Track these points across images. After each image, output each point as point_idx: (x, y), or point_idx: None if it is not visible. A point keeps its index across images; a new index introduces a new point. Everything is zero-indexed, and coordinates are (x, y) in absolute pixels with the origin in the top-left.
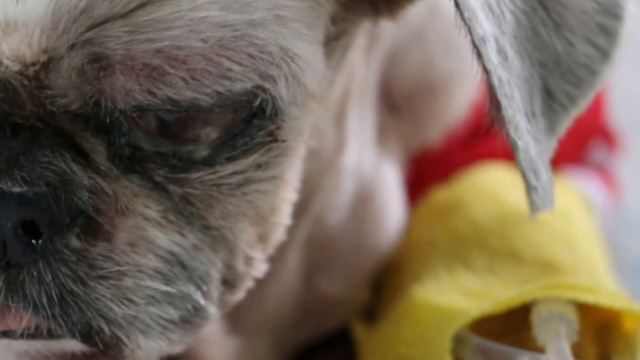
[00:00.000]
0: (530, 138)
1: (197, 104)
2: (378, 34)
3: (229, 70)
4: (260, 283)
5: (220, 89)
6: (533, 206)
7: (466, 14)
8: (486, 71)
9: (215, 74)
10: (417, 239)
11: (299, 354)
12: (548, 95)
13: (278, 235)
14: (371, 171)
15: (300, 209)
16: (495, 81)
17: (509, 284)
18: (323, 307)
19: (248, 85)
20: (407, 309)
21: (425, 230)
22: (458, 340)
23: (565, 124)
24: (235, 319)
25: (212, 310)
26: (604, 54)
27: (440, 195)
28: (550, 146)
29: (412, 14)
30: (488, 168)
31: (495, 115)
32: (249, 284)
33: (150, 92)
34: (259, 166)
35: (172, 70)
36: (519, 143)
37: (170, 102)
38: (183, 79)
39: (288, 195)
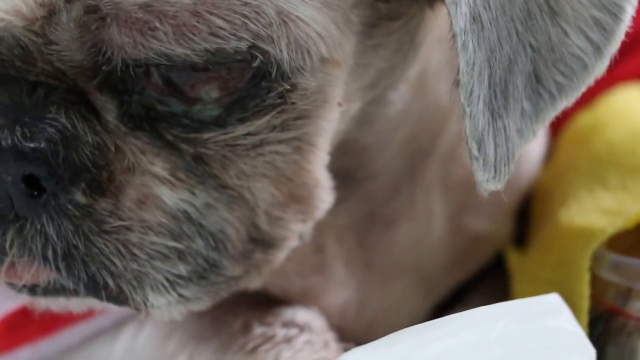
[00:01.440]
0: (486, 110)
1: (190, 60)
2: None
3: (220, 28)
4: (388, 226)
5: (210, 46)
6: (475, 176)
7: None
8: (454, 34)
9: (205, 31)
10: (562, 164)
11: (451, 293)
12: (537, 80)
13: (316, 196)
14: None
15: (420, 154)
16: (458, 45)
17: (638, 199)
18: (472, 244)
19: (242, 45)
20: (554, 233)
21: (569, 155)
22: (595, 258)
23: (552, 113)
24: (367, 261)
25: (233, 266)
26: (597, 49)
27: (583, 119)
28: (528, 130)
29: None
30: (629, 90)
31: (455, 77)
32: (287, 243)
33: (142, 46)
34: (274, 128)
35: (160, 25)
36: (467, 109)
37: (164, 57)
38: (173, 34)
39: (315, 157)
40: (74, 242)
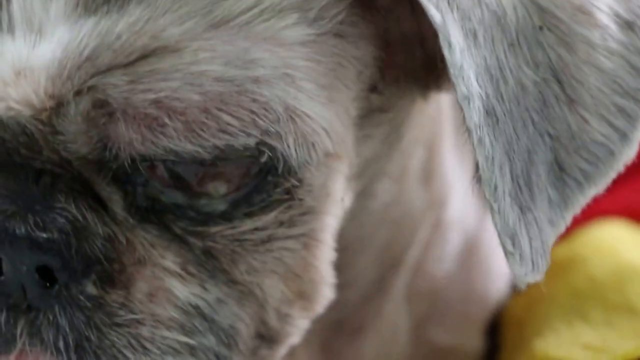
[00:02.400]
0: (514, 204)
1: (198, 156)
2: None
3: (228, 124)
4: (355, 335)
5: (219, 143)
6: (512, 271)
7: (452, 71)
8: (468, 130)
9: (214, 128)
10: (537, 294)
11: None
12: (560, 168)
13: (320, 292)
14: (475, 222)
15: (392, 264)
16: (475, 140)
17: (626, 337)
18: (436, 357)
19: (250, 141)
20: None
21: (545, 285)
22: None
23: (582, 201)
24: None
25: None
26: (623, 136)
27: (560, 251)
28: (559, 219)
29: None
30: (606, 225)
31: (476, 174)
32: (290, 339)
33: (151, 142)
34: (281, 223)
35: (169, 122)
36: (494, 205)
37: (171, 153)
38: (181, 131)
39: (323, 253)
40: (86, 333)
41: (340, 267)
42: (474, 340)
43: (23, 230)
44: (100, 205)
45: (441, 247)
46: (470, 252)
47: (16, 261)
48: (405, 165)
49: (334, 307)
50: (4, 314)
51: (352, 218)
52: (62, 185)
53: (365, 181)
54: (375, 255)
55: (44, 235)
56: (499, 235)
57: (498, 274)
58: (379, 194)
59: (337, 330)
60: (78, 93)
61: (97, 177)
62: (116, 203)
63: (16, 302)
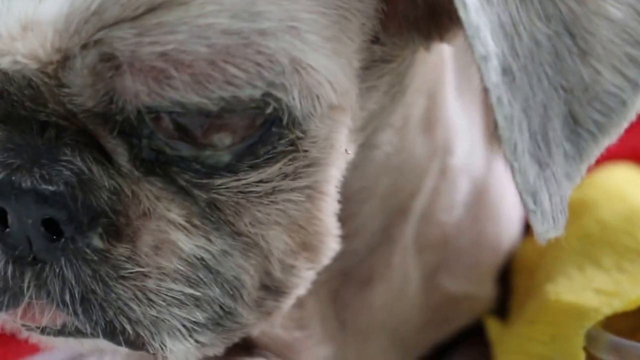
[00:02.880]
0: (533, 161)
1: (204, 108)
2: None
3: (234, 76)
4: (364, 285)
5: (225, 94)
6: (534, 229)
7: (469, 32)
8: (486, 89)
9: (220, 80)
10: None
11: (431, 354)
12: (574, 121)
13: (325, 244)
14: (483, 168)
15: (397, 213)
16: (493, 100)
17: (638, 282)
18: (448, 305)
19: (256, 92)
20: (541, 307)
21: None
22: (590, 338)
23: (596, 152)
24: (342, 319)
25: (247, 314)
26: (635, 85)
27: (570, 195)
28: (575, 172)
29: None
30: (616, 168)
31: (495, 133)
32: (296, 291)
33: (157, 94)
34: (285, 175)
35: (176, 74)
36: (515, 164)
37: (178, 105)
38: (188, 83)
39: (327, 205)
40: (92, 286)
41: (345, 217)
42: (485, 287)
43: (29, 183)
44: (105, 158)
45: (449, 195)
46: (479, 198)
47: (22, 214)
48: (408, 114)
49: (341, 257)
50: (10, 267)
51: (355, 169)
52: (67, 138)
53: (368, 133)
54: (380, 203)
55: (50, 188)
56: (521, 194)
57: (508, 219)
58: (381, 144)
59: (346, 280)
60: (85, 47)
61: (102, 130)
62: (121, 156)
63: (22, 254)
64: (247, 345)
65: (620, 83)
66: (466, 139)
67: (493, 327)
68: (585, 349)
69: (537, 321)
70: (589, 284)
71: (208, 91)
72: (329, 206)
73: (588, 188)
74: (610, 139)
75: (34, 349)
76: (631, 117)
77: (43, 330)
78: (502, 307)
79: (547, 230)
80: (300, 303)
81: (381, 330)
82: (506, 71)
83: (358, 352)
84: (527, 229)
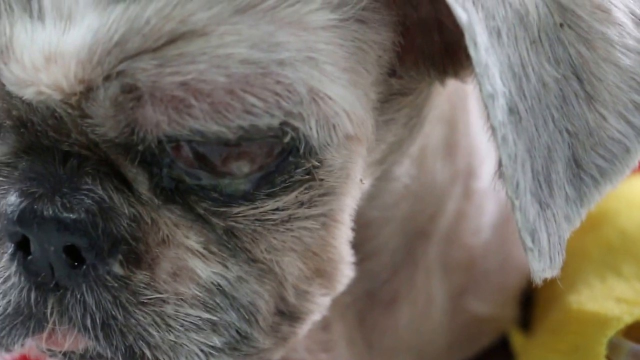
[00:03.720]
0: (534, 201)
1: (223, 137)
2: None
3: (253, 106)
4: (389, 307)
5: (244, 123)
6: (531, 267)
7: (477, 70)
8: (492, 127)
9: (239, 109)
10: (570, 249)
11: None
12: (577, 165)
13: (340, 271)
14: None
15: (420, 236)
16: (499, 138)
17: None
18: (474, 326)
19: (274, 121)
20: (563, 318)
21: (577, 241)
22: (612, 346)
23: (597, 197)
24: (368, 341)
25: (262, 339)
26: (639, 133)
27: None
28: (575, 215)
29: None
30: (636, 177)
31: (499, 171)
32: (311, 316)
33: (177, 123)
34: (301, 204)
35: (196, 103)
36: (516, 202)
37: (197, 134)
38: (207, 112)
39: (341, 233)
40: (112, 312)
41: (363, 239)
42: (510, 309)
43: (50, 211)
44: (126, 186)
45: (475, 218)
46: (506, 220)
47: (44, 242)
48: (425, 144)
49: (363, 278)
50: (33, 293)
51: (373, 199)
52: (88, 167)
53: (386, 166)
54: (399, 226)
55: (71, 216)
56: (520, 232)
57: None
58: (400, 176)
59: (371, 302)
60: (107, 78)
61: (123, 159)
62: (142, 184)
63: (45, 280)
64: None
65: (624, 130)
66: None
67: (517, 339)
68: (607, 357)
69: (559, 331)
70: (611, 293)
71: (227, 120)
72: (343, 234)
73: (609, 198)
74: (612, 186)
75: None
76: (634, 164)
77: (66, 355)
78: (525, 317)
79: (543, 269)
80: (325, 326)
81: (407, 350)
82: (512, 111)
83: None
84: None
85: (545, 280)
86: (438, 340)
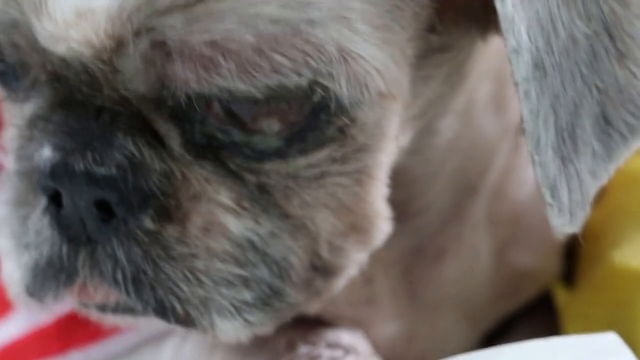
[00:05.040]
0: (556, 157)
1: (251, 96)
2: None
3: (281, 65)
4: (436, 260)
5: (272, 83)
6: (550, 221)
7: (503, 24)
8: (515, 83)
9: (267, 68)
10: (613, 206)
11: (497, 325)
12: (606, 122)
13: (376, 227)
14: None
15: (467, 190)
16: (521, 94)
17: None
18: (518, 279)
19: (303, 81)
20: (606, 274)
21: (620, 198)
22: None
23: (625, 153)
24: (412, 299)
25: (296, 294)
26: None
27: (634, 163)
28: (602, 171)
29: None
30: None
31: (520, 126)
32: (346, 272)
33: (205, 81)
34: (334, 160)
35: (224, 62)
36: (535, 158)
37: (225, 92)
38: (235, 71)
39: (376, 189)
40: (143, 267)
41: (411, 196)
42: (553, 262)
43: (82, 166)
44: (157, 141)
45: (522, 171)
46: None
47: (75, 196)
48: (471, 99)
49: (410, 235)
50: (65, 246)
51: (416, 154)
52: (121, 122)
53: (427, 120)
54: (447, 183)
55: (102, 170)
56: (539, 187)
57: None
58: (442, 130)
59: (417, 256)
60: (137, 34)
61: (155, 114)
62: (173, 140)
63: (76, 234)
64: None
65: None
66: None
67: (560, 295)
68: None
69: (602, 287)
70: None
71: (255, 79)
72: (378, 190)
73: None
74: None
75: (113, 330)
76: None
77: (101, 308)
78: (569, 273)
79: (562, 225)
80: (368, 280)
81: (451, 304)
82: (538, 66)
83: (428, 326)
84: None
85: (588, 236)
86: (483, 293)
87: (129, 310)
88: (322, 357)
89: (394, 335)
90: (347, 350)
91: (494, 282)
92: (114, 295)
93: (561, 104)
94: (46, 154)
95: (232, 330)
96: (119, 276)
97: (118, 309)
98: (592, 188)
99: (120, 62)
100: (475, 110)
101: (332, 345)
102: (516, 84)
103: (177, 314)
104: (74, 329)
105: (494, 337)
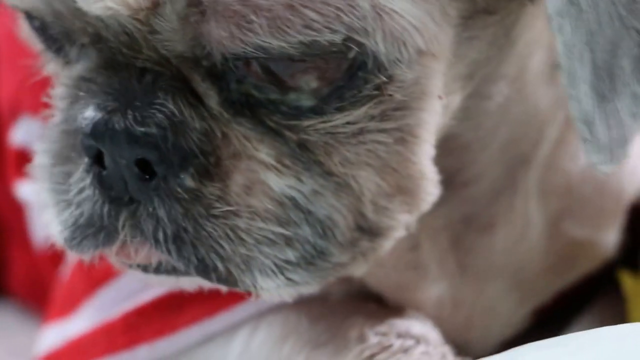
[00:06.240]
0: (594, 93)
1: (285, 52)
2: None
3: (313, 21)
4: (485, 230)
5: (305, 39)
6: (586, 158)
7: None
8: (549, 16)
9: (299, 24)
10: None
11: (551, 306)
12: None
13: (422, 188)
14: None
15: (519, 161)
16: (555, 27)
17: None
18: (571, 250)
19: (336, 37)
20: None
21: None
22: None
23: None
24: (461, 267)
25: (340, 254)
26: None
27: None
28: None
29: None
30: None
31: (555, 63)
32: (393, 233)
33: (239, 39)
34: (372, 117)
35: (256, 18)
36: (572, 92)
37: (260, 50)
38: (268, 27)
39: (420, 149)
40: (184, 225)
41: (462, 166)
42: (609, 234)
43: (122, 124)
44: (197, 101)
45: (574, 144)
46: None
47: (116, 155)
48: (524, 66)
49: (462, 203)
50: (106, 206)
51: (468, 119)
52: (162, 82)
53: (477, 82)
54: (499, 152)
55: (142, 129)
56: (575, 122)
57: (632, 169)
58: (493, 95)
59: (468, 225)
60: None
61: (193, 74)
62: (212, 98)
63: (118, 194)
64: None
65: None
66: None
67: (627, 282)
68: None
69: None
70: None
71: (288, 35)
72: (423, 150)
73: None
74: None
75: (196, 318)
76: None
77: (144, 268)
78: (636, 261)
79: (601, 162)
80: (414, 246)
81: (500, 273)
82: (573, 3)
83: (475, 294)
84: None
85: None
86: (535, 264)
87: (171, 271)
88: (393, 347)
89: (439, 300)
90: (418, 339)
91: (547, 252)
92: (155, 256)
93: (597, 42)
94: (88, 113)
95: (274, 288)
96: (160, 235)
97: (160, 269)
98: (633, 129)
99: (157, 22)
100: (527, 78)
101: (402, 335)
102: (550, 17)
103: (219, 272)
104: (142, 324)
105: (548, 319)
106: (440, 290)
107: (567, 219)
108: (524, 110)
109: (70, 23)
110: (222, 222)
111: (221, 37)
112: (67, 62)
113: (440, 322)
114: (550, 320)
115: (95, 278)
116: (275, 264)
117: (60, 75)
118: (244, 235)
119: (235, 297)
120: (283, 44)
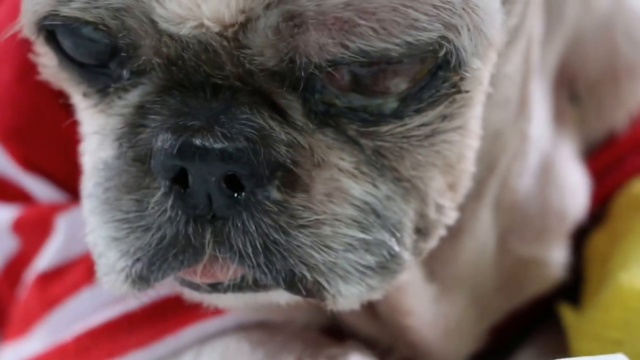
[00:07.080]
0: None
1: (387, 54)
2: (560, 14)
3: (416, 20)
4: (454, 237)
5: (408, 38)
6: None
7: None
8: None
9: (403, 24)
10: (619, 228)
11: (505, 326)
12: None
13: (465, 182)
14: (550, 146)
15: (488, 170)
16: None
17: None
18: (519, 268)
19: (434, 35)
20: (615, 295)
21: (628, 221)
22: None
23: None
24: (430, 271)
25: (407, 257)
26: None
27: (638, 185)
28: None
29: (597, 4)
30: None
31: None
32: (440, 231)
33: (342, 45)
34: (444, 117)
35: (362, 22)
36: None
37: (362, 54)
38: (373, 30)
39: (472, 142)
40: (273, 236)
41: None
42: (554, 252)
43: (212, 142)
44: (279, 114)
45: (522, 161)
46: (545, 169)
47: (205, 173)
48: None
49: None
50: (191, 225)
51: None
52: (242, 98)
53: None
54: (478, 158)
55: (234, 145)
56: None
57: (573, 192)
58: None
59: None
60: (268, 6)
61: (277, 87)
62: (295, 110)
63: (202, 212)
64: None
65: None
66: (540, 113)
67: (567, 314)
68: None
69: (611, 307)
70: None
71: (393, 37)
72: (474, 143)
73: None
74: None
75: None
76: None
77: (213, 287)
78: (575, 296)
79: None
80: None
81: (463, 285)
82: None
83: (448, 305)
84: (598, 219)
85: (596, 259)
86: (490, 280)
87: (252, 286)
88: None
89: (425, 300)
90: None
91: (498, 269)
92: (239, 271)
93: None
94: (168, 136)
95: (355, 295)
96: (249, 248)
97: (241, 285)
98: None
99: (248, 37)
100: (502, 84)
101: (331, 358)
102: None
103: (305, 282)
104: (93, 347)
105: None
106: (433, 291)
107: (512, 235)
108: (502, 118)
109: (142, 42)
110: (309, 230)
111: (323, 45)
112: (121, 90)
113: (423, 332)
114: (505, 341)
115: (50, 298)
116: (357, 270)
117: (110, 107)
118: (329, 243)
119: (180, 321)
120: (388, 46)
